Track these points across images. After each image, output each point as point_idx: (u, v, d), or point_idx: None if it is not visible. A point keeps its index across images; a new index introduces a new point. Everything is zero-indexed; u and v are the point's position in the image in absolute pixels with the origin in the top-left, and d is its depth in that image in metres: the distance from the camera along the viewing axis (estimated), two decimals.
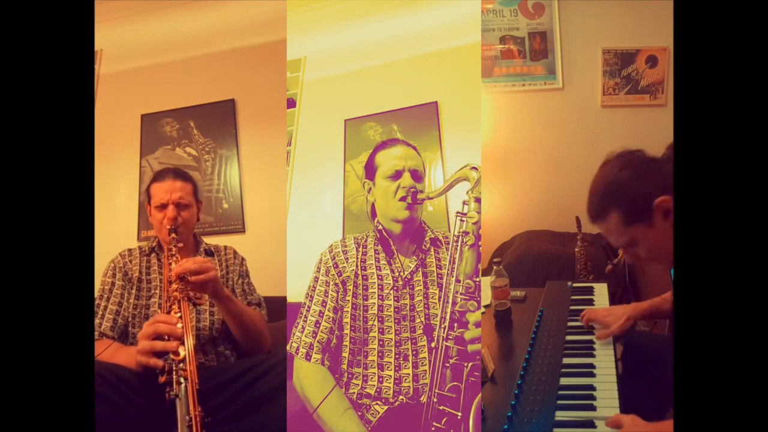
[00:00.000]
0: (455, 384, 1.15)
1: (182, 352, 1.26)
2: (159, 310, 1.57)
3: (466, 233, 1.22)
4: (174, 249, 1.54)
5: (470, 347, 1.15)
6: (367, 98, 2.71)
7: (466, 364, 1.14)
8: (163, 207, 1.62)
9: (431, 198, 1.37)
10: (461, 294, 1.19)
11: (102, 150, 2.17)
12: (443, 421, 1.14)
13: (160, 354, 1.27)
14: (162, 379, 1.24)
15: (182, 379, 1.22)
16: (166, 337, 1.30)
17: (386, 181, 1.39)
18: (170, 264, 1.49)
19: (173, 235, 1.57)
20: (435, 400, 1.16)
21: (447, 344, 1.17)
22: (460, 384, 1.14)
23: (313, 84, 2.84)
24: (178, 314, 1.35)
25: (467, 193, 1.25)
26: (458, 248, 1.22)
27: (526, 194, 3.29)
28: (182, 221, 1.62)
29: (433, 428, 1.14)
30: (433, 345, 1.19)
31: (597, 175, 1.21)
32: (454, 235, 1.25)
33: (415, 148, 1.45)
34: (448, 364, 1.17)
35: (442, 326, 1.19)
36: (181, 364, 1.24)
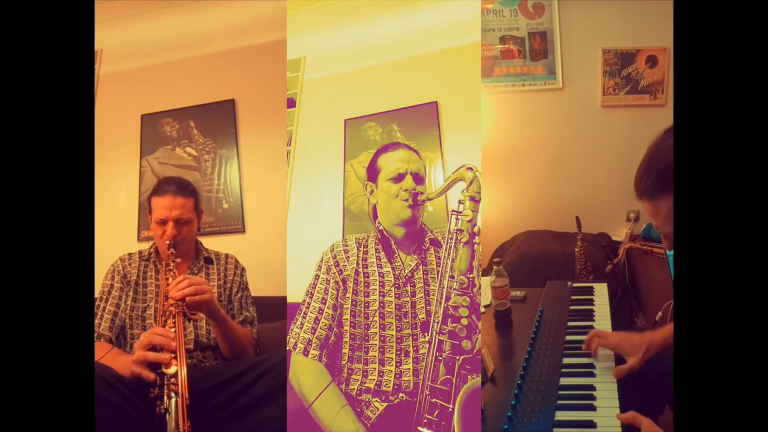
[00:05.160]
0: (448, 377, 1.18)
1: (174, 367, 1.27)
2: (154, 323, 1.59)
3: (461, 231, 1.26)
4: (172, 264, 1.56)
5: (464, 343, 1.18)
6: (367, 98, 2.71)
7: (457, 358, 1.17)
8: (163, 222, 1.63)
9: (431, 199, 1.41)
10: (455, 290, 1.23)
11: (102, 150, 2.17)
12: (435, 414, 1.16)
13: (154, 366, 1.29)
14: (154, 393, 1.25)
15: (173, 394, 1.23)
16: (160, 349, 1.31)
17: (388, 183, 1.42)
18: (167, 279, 1.50)
19: (172, 250, 1.59)
20: (428, 392, 1.19)
21: (440, 338, 1.21)
22: (452, 377, 1.17)
23: (313, 84, 2.83)
24: (173, 329, 1.37)
25: (462, 192, 1.28)
26: (453, 245, 1.26)
27: (526, 194, 3.28)
28: (181, 238, 1.64)
29: (425, 420, 1.17)
30: (426, 338, 1.23)
31: (662, 147, 1.04)
32: (449, 233, 1.28)
33: (416, 152, 1.47)
34: (441, 358, 1.20)
35: (436, 321, 1.22)
36: (173, 379, 1.26)
